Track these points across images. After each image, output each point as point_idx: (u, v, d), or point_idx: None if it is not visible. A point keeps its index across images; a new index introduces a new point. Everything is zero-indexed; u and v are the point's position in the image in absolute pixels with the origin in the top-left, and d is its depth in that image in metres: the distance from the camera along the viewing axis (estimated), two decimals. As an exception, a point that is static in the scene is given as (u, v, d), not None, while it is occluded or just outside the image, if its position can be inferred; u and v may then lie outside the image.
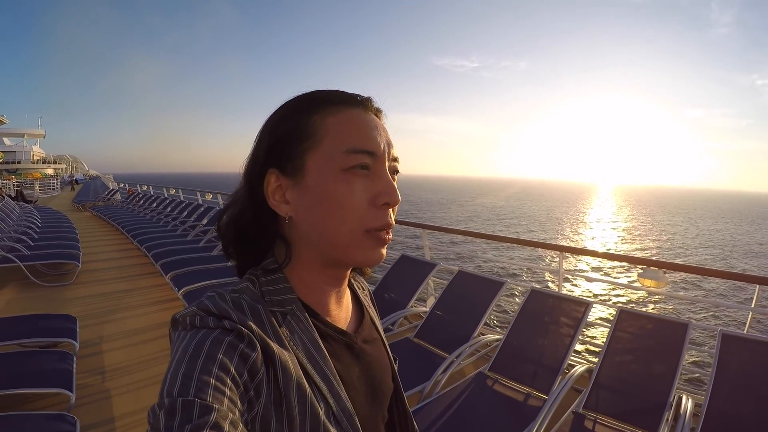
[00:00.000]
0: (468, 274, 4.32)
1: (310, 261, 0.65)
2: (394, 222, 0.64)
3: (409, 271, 4.72)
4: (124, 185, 22.53)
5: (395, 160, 0.66)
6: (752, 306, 3.30)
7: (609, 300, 14.79)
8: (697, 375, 3.63)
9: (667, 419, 2.50)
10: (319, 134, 0.62)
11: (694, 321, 2.97)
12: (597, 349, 3.43)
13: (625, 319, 3.15)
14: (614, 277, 19.17)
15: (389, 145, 0.65)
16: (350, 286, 0.80)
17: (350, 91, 0.68)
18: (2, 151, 46.29)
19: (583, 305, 3.36)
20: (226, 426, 0.44)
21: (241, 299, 0.59)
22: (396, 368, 0.81)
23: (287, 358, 0.56)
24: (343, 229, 0.60)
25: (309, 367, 0.58)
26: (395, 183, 0.64)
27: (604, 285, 17.68)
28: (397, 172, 0.67)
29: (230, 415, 0.45)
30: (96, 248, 8.77)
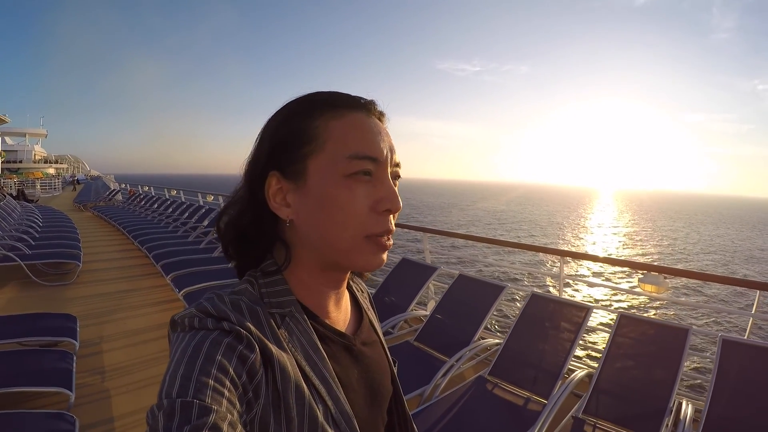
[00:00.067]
0: (468, 278, 4.32)
1: (309, 264, 0.65)
2: (394, 228, 0.64)
3: (410, 275, 4.72)
4: (126, 186, 22.55)
5: (397, 165, 0.66)
6: (753, 312, 3.29)
7: (610, 305, 14.77)
8: (697, 381, 3.63)
9: (667, 425, 2.49)
10: (321, 138, 0.61)
11: (694, 326, 2.97)
12: (597, 354, 3.43)
13: (626, 324, 3.15)
14: (615, 283, 19.15)
15: (392, 150, 0.65)
16: (349, 288, 0.80)
17: (353, 93, 0.67)
18: (4, 150, 46.36)
19: (584, 310, 3.36)
20: (225, 427, 0.44)
21: (239, 301, 0.59)
22: (395, 371, 0.81)
23: (286, 359, 0.56)
24: (345, 235, 0.60)
25: (307, 368, 0.58)
26: (397, 188, 0.64)
27: (605, 290, 17.66)
28: (399, 177, 0.67)
29: (229, 416, 0.45)
30: (97, 248, 8.77)
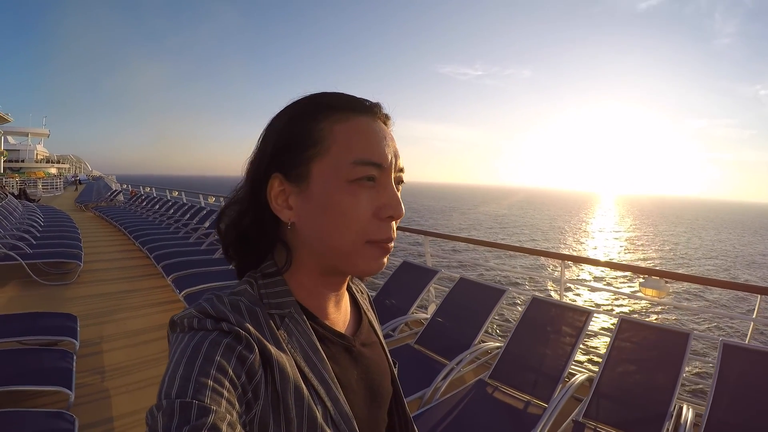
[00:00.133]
0: (469, 281, 4.31)
1: (310, 266, 0.65)
2: (396, 234, 0.64)
3: (411, 278, 4.71)
4: (127, 186, 22.59)
5: (401, 170, 0.66)
6: (754, 316, 3.29)
7: (612, 310, 14.75)
8: (699, 386, 3.62)
9: (668, 429, 2.48)
10: (326, 142, 0.61)
11: (695, 331, 2.96)
12: (598, 359, 3.42)
13: (627, 329, 3.14)
14: (617, 287, 19.13)
15: (396, 156, 0.64)
16: (349, 289, 0.80)
17: (357, 95, 0.67)
18: (6, 150, 46.47)
19: (584, 314, 3.35)
20: (224, 427, 0.44)
21: (239, 301, 0.59)
22: (396, 372, 0.81)
23: (285, 360, 0.55)
24: (346, 240, 0.60)
25: (306, 369, 0.58)
26: (400, 193, 0.64)
27: (607, 294, 17.64)
28: (402, 181, 0.67)
29: (228, 416, 0.45)
30: (98, 248, 8.79)
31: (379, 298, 4.59)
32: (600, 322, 9.33)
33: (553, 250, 6.42)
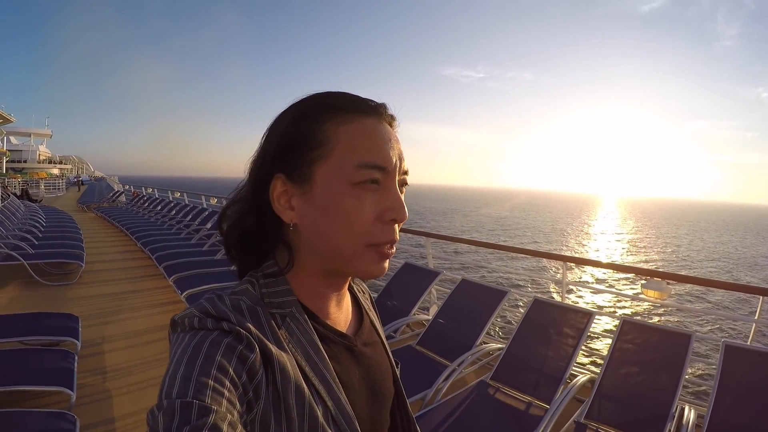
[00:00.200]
0: (471, 282, 4.31)
1: (311, 267, 0.65)
2: (398, 237, 0.64)
3: (413, 279, 4.71)
4: (129, 187, 22.62)
5: (405, 173, 0.65)
6: (756, 318, 3.28)
7: (614, 312, 14.73)
8: (702, 388, 3.61)
9: (670, 430, 2.48)
10: (330, 143, 0.60)
11: (698, 333, 2.96)
12: (600, 360, 3.42)
13: (628, 330, 3.14)
14: (619, 289, 19.10)
15: (401, 158, 0.64)
16: (350, 289, 0.80)
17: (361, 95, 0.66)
18: (9, 150, 46.59)
19: (586, 315, 3.35)
20: (225, 427, 0.44)
21: (240, 301, 0.59)
22: (398, 372, 0.80)
23: (286, 359, 0.55)
24: (348, 242, 0.60)
25: (307, 369, 0.58)
26: (404, 195, 0.64)
27: (609, 296, 17.60)
28: (406, 184, 0.66)
29: (229, 416, 0.45)
30: (100, 249, 8.80)
31: (381, 299, 4.59)
32: (602, 323, 9.32)
33: (555, 253, 6.42)
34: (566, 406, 2.76)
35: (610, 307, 16.31)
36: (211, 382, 0.46)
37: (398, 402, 0.79)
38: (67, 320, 3.80)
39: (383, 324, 0.88)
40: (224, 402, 0.46)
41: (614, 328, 3.24)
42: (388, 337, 3.93)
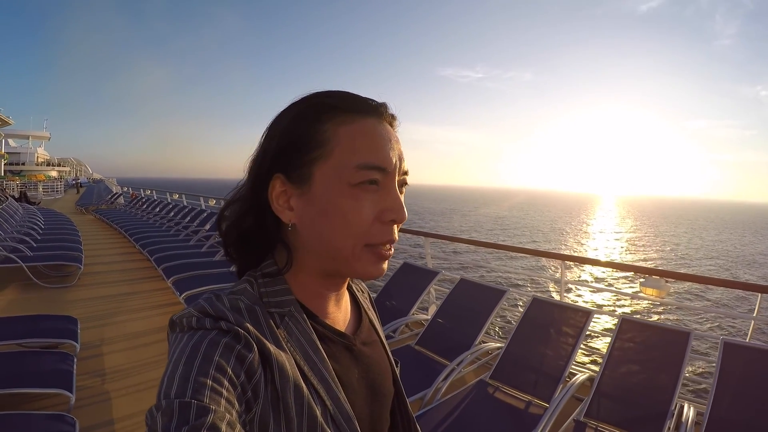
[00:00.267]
0: (470, 282, 4.31)
1: (310, 267, 0.65)
2: (397, 237, 0.64)
3: (411, 279, 4.71)
4: (128, 189, 22.61)
5: (405, 173, 0.65)
6: (754, 315, 3.29)
7: (614, 311, 14.74)
8: (702, 386, 3.61)
9: (669, 428, 2.48)
10: (330, 144, 0.60)
11: (697, 330, 2.96)
12: (599, 358, 3.43)
13: (627, 328, 3.14)
14: (618, 288, 19.11)
15: (401, 159, 0.64)
16: (349, 288, 0.80)
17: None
18: (7, 153, 46.54)
19: (585, 314, 3.35)
20: (224, 427, 0.44)
21: (238, 301, 0.59)
22: (398, 371, 0.80)
23: (284, 359, 0.55)
24: (346, 243, 0.60)
25: (306, 368, 0.58)
26: (403, 195, 0.64)
27: (608, 295, 17.63)
28: (406, 184, 0.66)
29: (227, 416, 0.45)
30: (98, 251, 8.79)
31: (380, 299, 4.59)
32: (601, 322, 9.33)
33: (554, 251, 6.43)
34: (565, 405, 2.76)
35: (610, 305, 16.33)
36: (209, 382, 0.46)
37: (398, 401, 0.79)
38: (66, 322, 3.79)
39: (382, 324, 0.88)
40: (223, 402, 0.46)
41: (613, 327, 3.25)
42: (387, 337, 3.92)
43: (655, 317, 14.77)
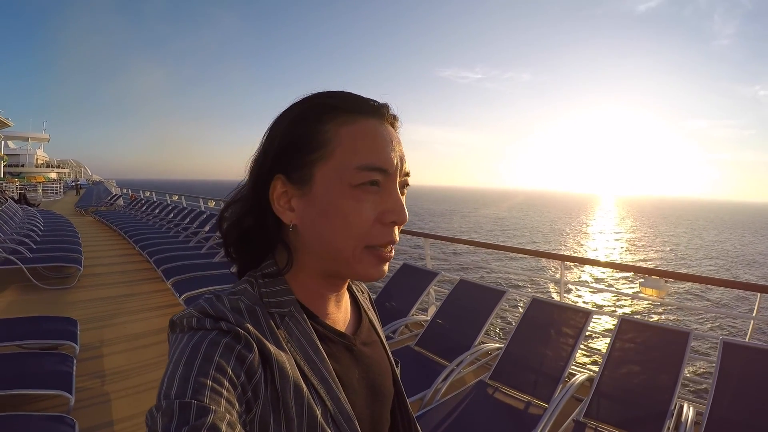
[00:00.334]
0: (469, 282, 4.31)
1: (310, 268, 0.65)
2: (398, 238, 0.63)
3: (411, 280, 4.71)
4: (127, 191, 22.60)
5: (407, 174, 0.65)
6: (754, 314, 3.29)
7: (615, 311, 14.74)
8: (703, 386, 3.62)
9: (669, 427, 2.48)
10: (331, 145, 0.60)
11: (696, 330, 2.96)
12: (599, 359, 3.43)
13: (627, 328, 3.14)
14: (618, 289, 19.11)
15: (402, 160, 0.63)
16: (349, 288, 0.79)
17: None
18: (6, 154, 46.53)
19: (584, 314, 3.35)
20: (224, 427, 0.44)
21: (238, 301, 0.59)
22: (398, 371, 0.80)
23: (284, 359, 0.55)
24: (347, 244, 0.60)
25: (306, 368, 0.58)
26: (404, 197, 0.64)
27: (608, 295, 17.62)
28: (408, 185, 0.66)
29: (227, 416, 0.45)
30: (98, 252, 8.79)
31: (380, 300, 4.58)
32: (601, 322, 9.33)
33: (554, 252, 6.43)
34: (565, 405, 2.76)
35: (610, 306, 16.33)
36: (209, 382, 0.46)
37: (398, 401, 0.79)
38: (66, 324, 3.79)
39: (382, 324, 0.88)
40: (223, 402, 0.46)
41: (613, 327, 3.25)
42: (386, 338, 3.93)
43: (655, 317, 14.78)
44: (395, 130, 0.66)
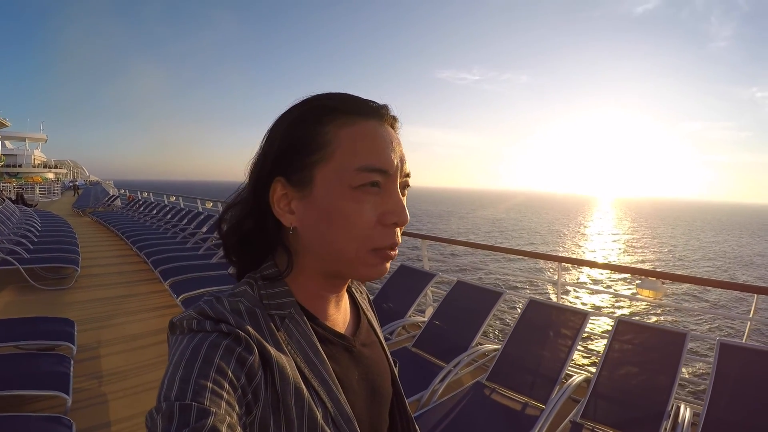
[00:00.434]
0: (467, 284, 4.31)
1: (311, 270, 0.65)
2: (400, 240, 0.63)
3: (408, 281, 4.71)
4: (125, 191, 22.55)
5: (407, 175, 0.65)
6: (750, 315, 3.30)
7: (613, 312, 14.74)
8: (700, 387, 3.63)
9: (665, 428, 2.49)
10: (331, 147, 0.60)
11: (694, 331, 2.97)
12: (596, 360, 3.44)
13: (624, 330, 3.15)
14: (615, 290, 19.12)
15: (402, 161, 0.63)
16: (348, 289, 0.80)
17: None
18: (4, 155, 46.41)
19: (581, 316, 3.36)
20: (224, 429, 0.44)
21: (238, 303, 0.58)
22: (396, 372, 0.80)
23: (285, 361, 0.55)
24: (350, 247, 0.59)
25: (307, 370, 0.58)
26: (405, 198, 0.64)
27: (605, 297, 17.63)
28: (408, 186, 0.66)
29: (228, 418, 0.45)
30: (95, 253, 8.78)
31: (377, 301, 4.58)
32: (598, 323, 9.34)
33: (551, 253, 6.44)
34: (562, 406, 2.77)
35: (607, 307, 16.33)
36: (209, 384, 0.46)
37: (397, 402, 0.79)
38: (63, 324, 3.79)
39: (380, 325, 0.88)
40: (223, 404, 0.46)
41: (610, 328, 3.25)
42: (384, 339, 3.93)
43: (653, 319, 14.79)
44: (395, 131, 0.66)
